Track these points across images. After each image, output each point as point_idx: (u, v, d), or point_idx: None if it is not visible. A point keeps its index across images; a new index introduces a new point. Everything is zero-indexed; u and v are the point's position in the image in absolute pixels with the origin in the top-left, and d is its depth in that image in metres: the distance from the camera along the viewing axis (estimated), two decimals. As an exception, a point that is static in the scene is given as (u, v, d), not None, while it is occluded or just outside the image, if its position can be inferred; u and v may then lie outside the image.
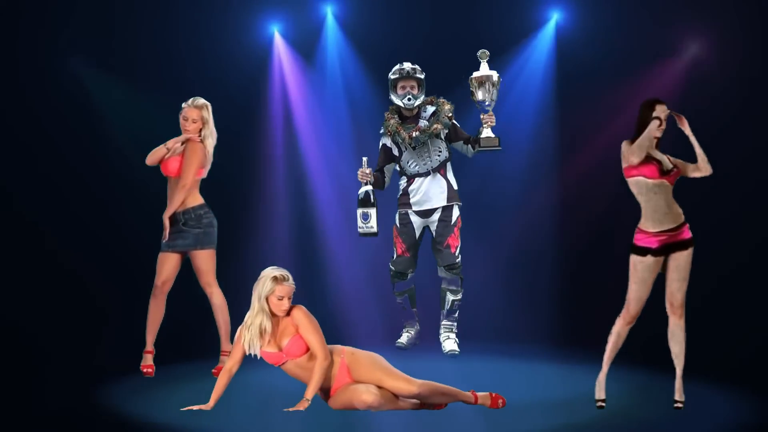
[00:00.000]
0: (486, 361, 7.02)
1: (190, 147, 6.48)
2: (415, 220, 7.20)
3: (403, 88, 7.13)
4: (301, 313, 5.28)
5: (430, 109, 7.19)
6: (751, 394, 5.75)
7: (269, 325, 5.25)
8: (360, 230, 7.05)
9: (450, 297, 7.16)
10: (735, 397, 5.71)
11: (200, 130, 6.53)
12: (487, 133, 6.99)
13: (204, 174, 6.59)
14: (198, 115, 6.53)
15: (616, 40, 8.33)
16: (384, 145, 7.27)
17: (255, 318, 5.27)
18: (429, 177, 7.16)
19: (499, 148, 7.03)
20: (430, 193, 7.15)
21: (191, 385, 6.20)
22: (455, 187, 7.22)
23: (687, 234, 5.47)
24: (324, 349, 5.25)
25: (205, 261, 6.48)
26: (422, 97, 7.15)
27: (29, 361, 6.77)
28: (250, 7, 8.59)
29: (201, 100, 6.57)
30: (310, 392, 5.20)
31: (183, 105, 6.58)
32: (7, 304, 7.60)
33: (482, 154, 7.16)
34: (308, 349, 5.26)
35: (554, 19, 8.63)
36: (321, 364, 5.21)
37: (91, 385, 6.06)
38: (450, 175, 7.22)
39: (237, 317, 6.63)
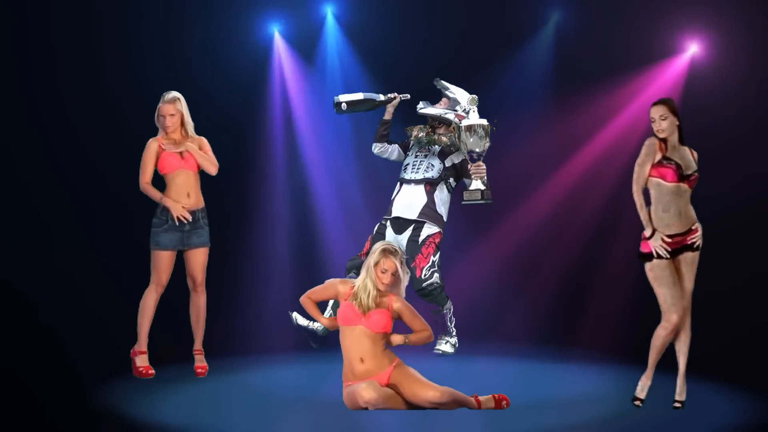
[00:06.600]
0: (486, 361, 7.02)
1: (201, 141, 6.52)
2: (389, 233, 6.72)
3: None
4: (404, 304, 5.53)
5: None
6: (751, 394, 5.75)
7: (373, 291, 5.45)
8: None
9: (433, 315, 6.66)
10: (735, 397, 5.72)
11: (181, 122, 6.52)
12: (475, 185, 6.48)
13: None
14: (174, 109, 6.50)
15: (614, 40, 8.34)
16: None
17: (362, 282, 5.49)
18: (412, 185, 6.77)
19: (481, 201, 6.48)
20: (407, 201, 6.72)
21: (190, 385, 6.21)
22: (439, 212, 6.71)
23: (693, 239, 5.46)
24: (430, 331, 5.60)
25: (206, 258, 6.52)
26: (441, 111, 6.78)
27: (29, 362, 6.76)
28: (250, 7, 8.59)
29: (172, 94, 6.51)
30: (404, 340, 5.53)
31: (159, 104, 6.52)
32: (7, 304, 7.59)
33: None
34: (385, 331, 5.44)
35: (554, 19, 8.65)
36: (428, 337, 5.57)
37: (90, 385, 6.06)
38: (437, 198, 6.73)
39: (235, 317, 6.68)
